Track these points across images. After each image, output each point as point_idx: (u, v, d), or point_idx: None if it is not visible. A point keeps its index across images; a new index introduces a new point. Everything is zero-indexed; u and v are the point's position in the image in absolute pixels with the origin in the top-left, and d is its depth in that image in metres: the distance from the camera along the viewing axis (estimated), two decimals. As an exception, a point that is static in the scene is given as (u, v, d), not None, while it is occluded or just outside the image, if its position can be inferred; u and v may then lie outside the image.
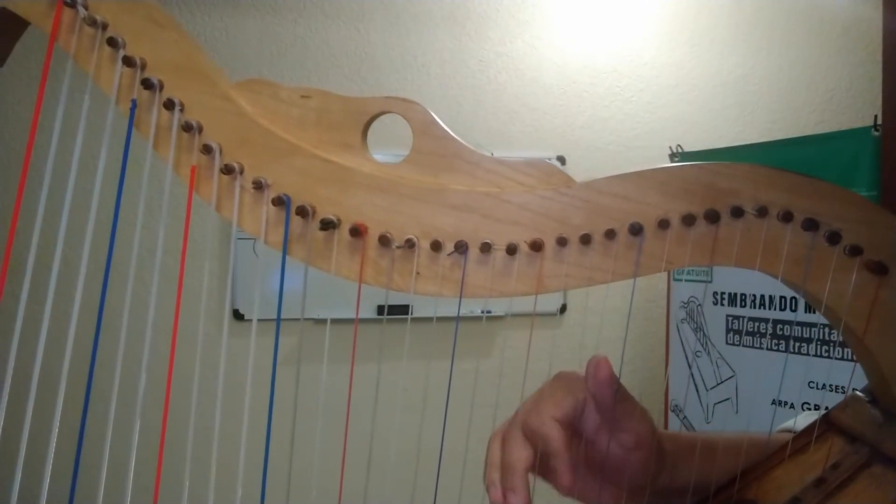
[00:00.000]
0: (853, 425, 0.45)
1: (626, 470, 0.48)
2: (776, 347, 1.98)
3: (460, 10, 2.47)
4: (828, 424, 0.46)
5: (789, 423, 0.55)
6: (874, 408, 0.45)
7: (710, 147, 2.47)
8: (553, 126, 2.53)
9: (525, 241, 0.43)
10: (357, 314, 0.49)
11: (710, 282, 2.15)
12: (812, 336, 1.87)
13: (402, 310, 2.04)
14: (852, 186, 1.84)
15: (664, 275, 2.37)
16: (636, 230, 0.42)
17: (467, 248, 0.44)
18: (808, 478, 0.44)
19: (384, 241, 0.44)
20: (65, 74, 0.44)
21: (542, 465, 0.49)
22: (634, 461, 0.47)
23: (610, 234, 0.43)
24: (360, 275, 0.45)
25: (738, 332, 2.06)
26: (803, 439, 0.46)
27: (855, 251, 0.41)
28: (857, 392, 0.46)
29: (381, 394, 2.19)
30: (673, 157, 2.36)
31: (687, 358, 2.23)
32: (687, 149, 2.38)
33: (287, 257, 0.45)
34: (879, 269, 0.41)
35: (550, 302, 2.47)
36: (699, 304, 2.19)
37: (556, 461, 0.44)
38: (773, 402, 1.82)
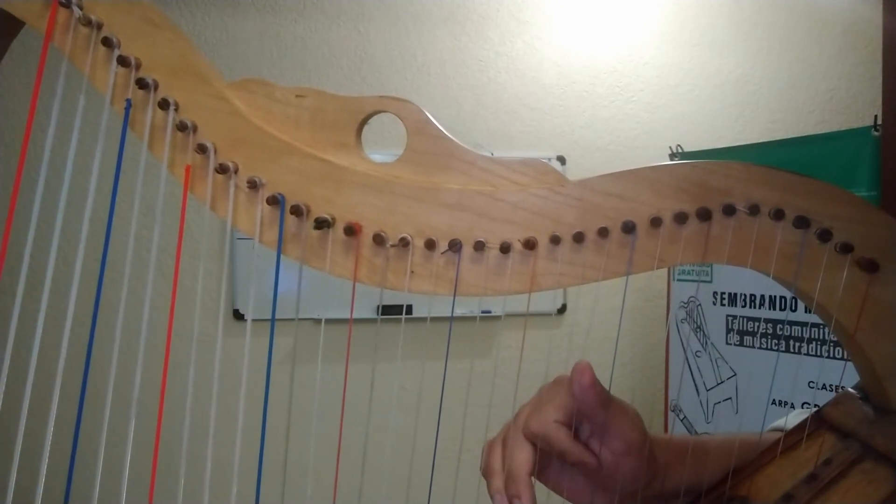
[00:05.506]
0: (845, 422, 0.45)
1: (618, 475, 0.48)
2: (776, 347, 1.98)
3: (460, 10, 2.47)
4: (820, 421, 0.46)
5: (780, 422, 0.55)
6: (866, 404, 0.45)
7: (710, 147, 2.47)
8: (553, 126, 2.53)
9: (519, 240, 0.44)
10: (352, 314, 0.50)
11: (710, 282, 2.14)
12: (812, 336, 1.86)
13: (406, 310, 2.04)
14: (852, 186, 1.84)
15: (664, 275, 2.37)
16: (629, 228, 0.43)
17: (461, 246, 0.44)
18: (801, 474, 0.44)
19: (378, 239, 0.44)
20: (61, 74, 0.44)
21: (542, 469, 0.49)
22: (625, 467, 0.47)
23: (603, 233, 0.43)
24: (354, 273, 0.45)
25: (738, 332, 2.06)
26: (795, 436, 0.46)
27: (846, 248, 0.41)
28: (849, 389, 0.47)
29: (383, 393, 2.19)
30: (673, 156, 2.36)
31: (687, 358, 2.23)
32: (687, 149, 2.38)
33: (284, 257, 0.45)
34: (870, 267, 0.41)
35: (550, 302, 2.47)
36: (699, 304, 2.19)
37: (571, 456, 0.45)
38: (773, 402, 1.81)
